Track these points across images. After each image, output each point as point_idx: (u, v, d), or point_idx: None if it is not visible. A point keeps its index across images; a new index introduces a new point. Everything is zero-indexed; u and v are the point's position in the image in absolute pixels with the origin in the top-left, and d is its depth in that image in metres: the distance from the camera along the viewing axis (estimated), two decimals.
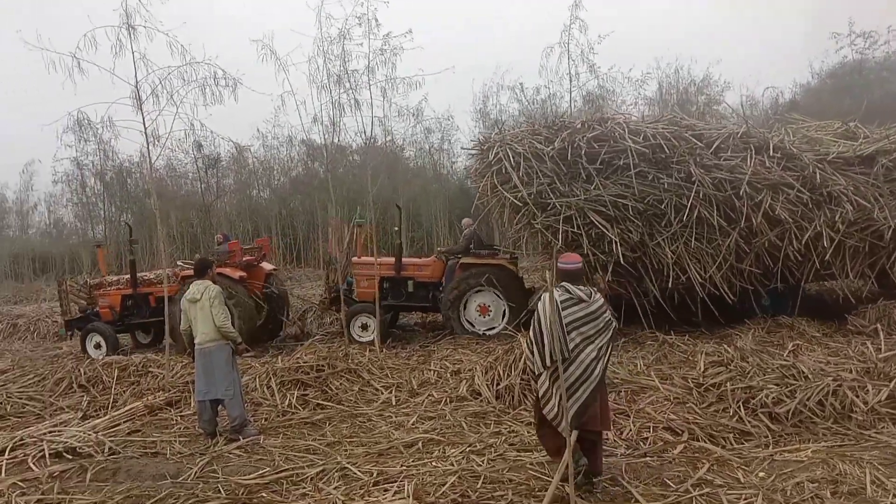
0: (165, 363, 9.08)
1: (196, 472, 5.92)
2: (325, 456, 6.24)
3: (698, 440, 6.22)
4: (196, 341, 6.96)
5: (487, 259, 11.40)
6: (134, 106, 8.99)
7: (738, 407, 6.67)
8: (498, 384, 7.80)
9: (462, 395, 7.89)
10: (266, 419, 7.56)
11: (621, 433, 6.49)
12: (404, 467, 5.82)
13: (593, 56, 25.16)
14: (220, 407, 7.06)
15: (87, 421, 7.43)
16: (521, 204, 9.89)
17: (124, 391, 8.48)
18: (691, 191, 9.55)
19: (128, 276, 12.25)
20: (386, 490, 5.28)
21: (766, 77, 47.87)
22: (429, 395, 8.06)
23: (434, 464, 5.87)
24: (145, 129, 9.02)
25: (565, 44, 25.02)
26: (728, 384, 7.03)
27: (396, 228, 12.88)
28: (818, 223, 9.56)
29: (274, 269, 13.38)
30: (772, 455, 5.81)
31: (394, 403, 7.93)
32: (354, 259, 12.27)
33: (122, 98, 8.92)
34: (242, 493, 5.36)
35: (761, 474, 5.40)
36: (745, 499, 4.93)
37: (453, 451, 6.21)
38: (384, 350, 10.01)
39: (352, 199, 23.55)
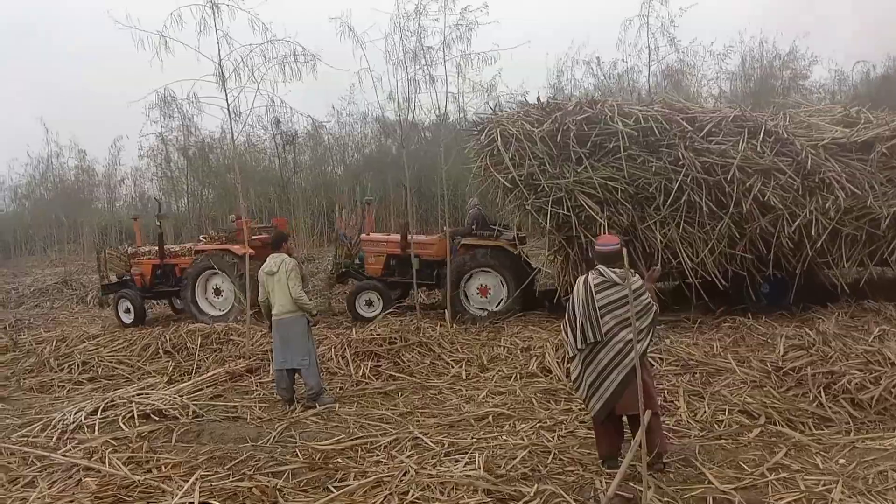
0: (246, 332, 9.43)
1: (275, 437, 6.17)
2: (398, 425, 6.39)
3: (775, 424, 6.07)
4: (273, 312, 7.20)
5: (488, 240, 11.31)
6: (217, 83, 9.29)
7: (819, 392, 6.48)
8: (569, 362, 7.78)
9: (532, 371, 7.93)
10: (341, 388, 7.78)
11: (695, 415, 6.41)
12: (475, 440, 5.90)
13: (674, 29, 24.47)
14: (297, 375, 7.31)
15: (172, 385, 7.82)
16: (511, 185, 9.79)
17: (207, 358, 8.87)
18: (680, 174, 9.40)
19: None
20: (457, 461, 5.36)
21: (855, 50, 45.34)
22: (499, 370, 8.12)
23: (504, 437, 5.94)
24: (228, 105, 9.31)
25: (645, 16, 24.43)
26: (808, 368, 6.84)
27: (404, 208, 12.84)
28: (809, 210, 9.33)
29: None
30: (853, 442, 5.62)
31: (464, 377, 8.03)
32: (363, 236, 12.47)
33: (207, 75, 9.24)
34: (319, 458, 5.54)
35: (842, 461, 5.25)
36: (825, 485, 4.80)
37: (523, 426, 6.25)
38: (454, 325, 10.11)
39: (425, 176, 23.63)
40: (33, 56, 52.76)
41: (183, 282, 12.18)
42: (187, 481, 4.94)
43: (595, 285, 4.90)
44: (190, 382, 7.89)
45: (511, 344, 9.10)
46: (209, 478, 5.09)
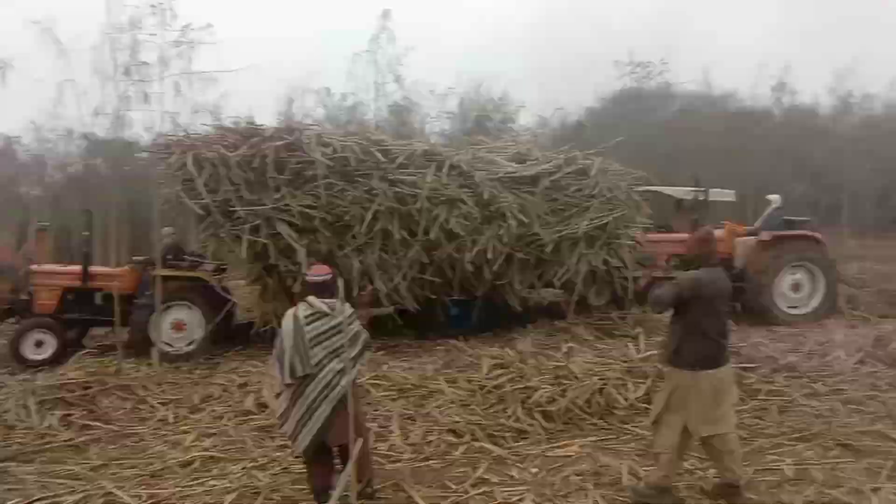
0: None
1: None
2: (89, 481, 5.71)
3: (479, 440, 6.46)
4: None
5: (185, 271, 10.78)
6: None
7: (517, 407, 7.02)
8: (276, 397, 7.57)
9: (247, 408, 7.59)
10: (20, 444, 6.76)
11: (407, 438, 6.58)
12: (178, 488, 5.48)
13: (400, 67, 25.67)
14: None
15: None
16: (205, 212, 9.56)
17: None
18: (374, 204, 9.81)
19: None
20: None
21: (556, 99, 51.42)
22: (211, 409, 7.65)
23: (212, 482, 5.59)
24: None
25: (373, 52, 25.33)
26: (508, 385, 7.39)
27: (86, 233, 11.64)
28: (487, 236, 10.17)
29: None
30: (544, 451, 6.17)
31: (171, 421, 7.43)
32: (34, 267, 11.07)
33: None
34: None
35: (534, 470, 5.72)
36: (518, 495, 5.19)
37: (234, 467, 5.95)
38: (163, 364, 9.38)
39: (141, 201, 21.87)
40: None
41: None
42: None
43: (305, 317, 4.86)
44: None
45: (227, 381, 8.63)
46: None
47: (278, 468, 5.90)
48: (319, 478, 5.05)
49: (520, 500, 5.10)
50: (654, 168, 28.68)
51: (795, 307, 11.98)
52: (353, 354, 4.88)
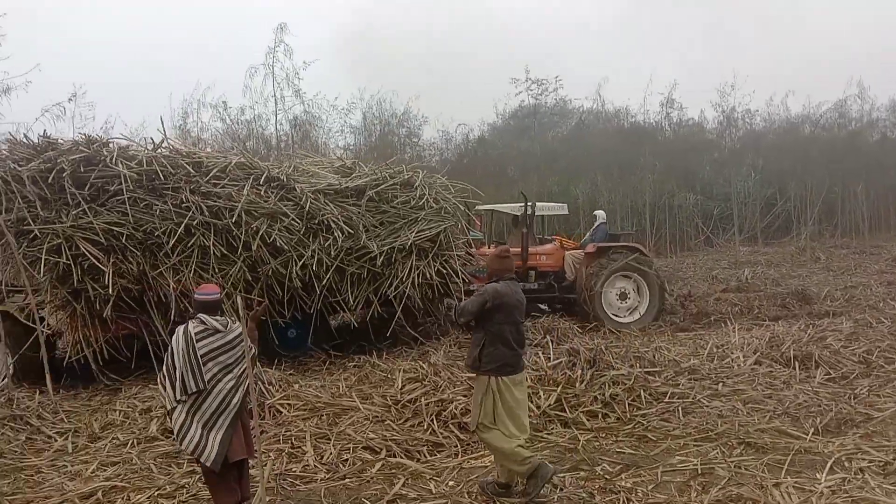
0: None
1: None
2: None
3: (395, 456, 6.41)
4: None
5: None
6: None
7: (432, 420, 7.02)
8: (168, 416, 7.28)
9: (153, 434, 7.25)
10: None
11: (322, 458, 6.45)
12: None
13: (299, 81, 25.32)
14: None
15: None
16: None
17: None
18: (188, 219, 9.33)
19: None
20: None
21: (458, 114, 52.17)
22: (113, 437, 7.27)
23: None
24: None
25: (270, 66, 24.89)
26: (423, 399, 7.38)
27: None
28: (312, 250, 9.85)
29: None
30: (461, 464, 6.20)
31: (70, 451, 7.00)
32: None
33: None
34: None
35: (451, 483, 5.73)
36: None
37: (139, 496, 5.67)
38: (60, 391, 8.86)
39: None
40: None
41: None
42: None
43: (196, 334, 4.84)
44: None
45: (129, 407, 8.22)
46: None
47: (186, 495, 5.68)
48: (227, 495, 4.92)
49: None
50: (557, 179, 29.55)
51: (623, 315, 12.73)
52: (243, 369, 4.90)
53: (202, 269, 9.37)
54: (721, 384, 8.18)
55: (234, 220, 9.44)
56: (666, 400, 7.62)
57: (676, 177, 30.33)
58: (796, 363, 8.79)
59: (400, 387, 7.87)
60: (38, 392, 8.42)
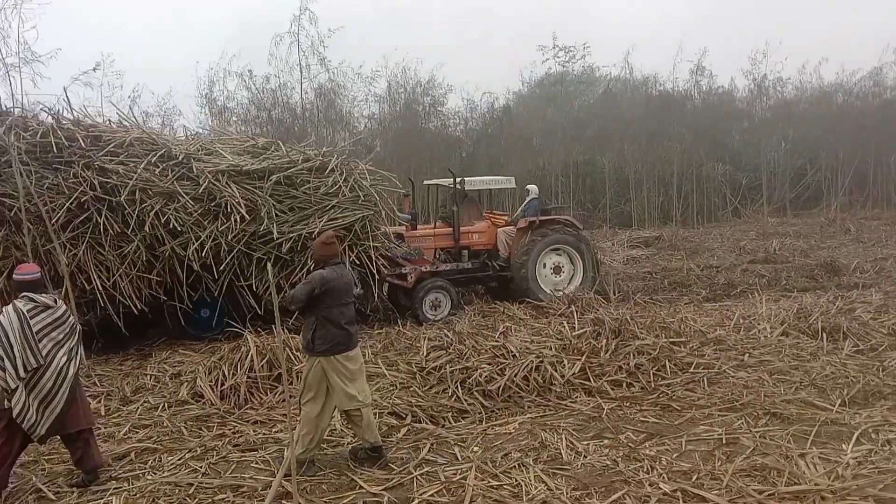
0: None
1: None
2: (17, 477, 5.47)
3: (420, 422, 6.49)
4: None
5: None
6: None
7: (456, 387, 7.08)
8: (223, 384, 7.45)
9: (183, 398, 7.41)
10: None
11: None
12: (113, 481, 5.32)
13: (324, 49, 25.22)
14: None
15: None
16: None
17: None
18: (84, 193, 9.09)
19: None
20: None
21: (484, 82, 51.58)
22: (145, 401, 7.45)
23: (148, 475, 5.44)
24: None
25: (295, 34, 24.81)
26: (447, 366, 7.44)
27: None
28: (210, 231, 9.49)
29: None
30: (485, 430, 6.25)
31: (103, 414, 7.19)
32: None
33: None
34: None
35: (476, 448, 5.79)
36: (461, 473, 5.24)
37: (171, 458, 5.81)
38: (92, 356, 9.06)
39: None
40: None
41: None
42: None
43: (28, 311, 4.97)
44: None
45: (159, 371, 8.42)
46: None
47: (216, 457, 5.80)
48: (91, 459, 5.30)
49: (463, 478, 5.15)
50: (583, 149, 29.16)
51: (558, 289, 12.45)
52: (73, 344, 5.17)
53: (99, 247, 9.17)
54: (747, 355, 8.14)
55: (127, 198, 9.12)
56: (691, 370, 7.61)
57: (705, 146, 29.87)
58: (824, 335, 8.71)
59: (425, 354, 7.95)
60: None
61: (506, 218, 13.54)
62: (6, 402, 4.88)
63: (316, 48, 25.07)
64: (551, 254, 12.53)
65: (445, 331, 8.77)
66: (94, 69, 18.85)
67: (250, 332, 8.31)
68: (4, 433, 4.96)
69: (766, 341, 8.68)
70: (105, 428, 6.75)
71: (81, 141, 9.34)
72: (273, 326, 8.70)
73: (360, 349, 5.84)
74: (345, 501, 4.87)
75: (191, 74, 33.80)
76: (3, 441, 4.97)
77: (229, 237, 9.48)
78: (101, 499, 4.97)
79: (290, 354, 7.90)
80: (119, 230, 9.20)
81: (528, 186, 13.46)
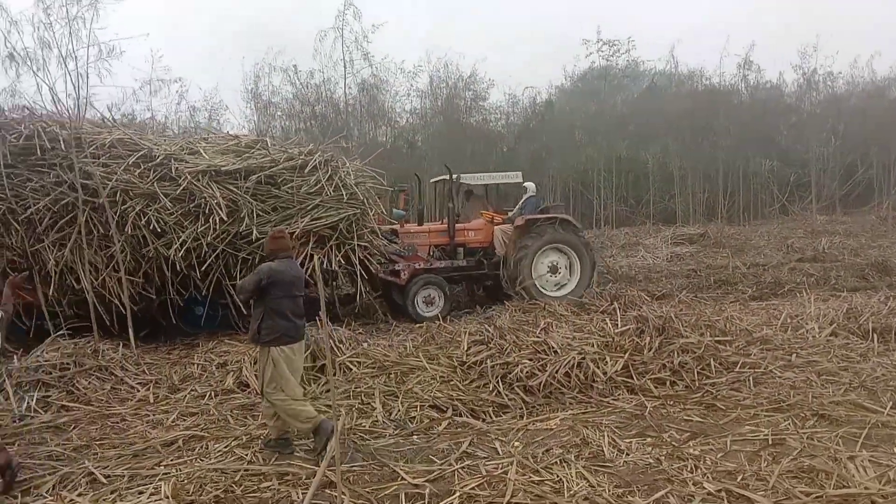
0: None
1: None
2: (71, 461, 5.65)
3: (461, 416, 6.53)
4: None
5: None
6: None
7: (497, 382, 7.09)
8: None
9: (229, 387, 7.57)
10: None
11: (390, 414, 6.62)
12: (161, 467, 5.45)
13: (367, 44, 25.40)
14: None
15: None
16: None
17: None
18: (66, 195, 9.28)
19: None
20: (140, 493, 4.90)
21: (525, 77, 51.35)
22: (192, 389, 7.60)
23: (195, 462, 5.56)
24: None
25: (339, 29, 25.04)
26: (488, 361, 7.45)
27: None
28: (190, 232, 9.52)
29: None
30: (526, 425, 6.25)
31: (151, 401, 7.37)
32: None
33: None
34: None
35: (516, 443, 5.79)
36: (502, 468, 5.25)
37: (217, 445, 5.93)
38: (140, 345, 9.28)
39: None
40: None
41: None
42: None
43: None
44: None
45: (206, 360, 8.59)
46: None
47: (261, 445, 5.90)
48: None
49: (504, 472, 5.16)
50: (626, 144, 28.90)
51: (556, 288, 12.29)
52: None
53: (88, 247, 9.28)
54: (794, 355, 7.99)
55: (108, 199, 9.23)
56: (736, 369, 7.50)
57: (752, 142, 29.30)
58: (875, 335, 8.50)
59: (466, 349, 7.97)
60: (121, 345, 8.84)
61: (502, 215, 13.33)
62: None
63: (360, 43, 25.28)
64: (549, 252, 12.38)
65: (486, 326, 8.77)
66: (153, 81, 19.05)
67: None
68: None
69: (814, 341, 8.50)
70: (154, 415, 6.93)
71: (63, 143, 9.38)
72: (318, 318, 9.03)
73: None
74: (387, 492, 4.91)
75: (237, 70, 34.35)
76: None
77: (210, 238, 9.50)
78: (151, 484, 5.09)
79: (334, 346, 8.01)
80: (103, 231, 9.33)
81: (526, 184, 13.24)
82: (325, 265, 10.05)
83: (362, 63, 25.99)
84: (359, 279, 10.45)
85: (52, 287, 9.09)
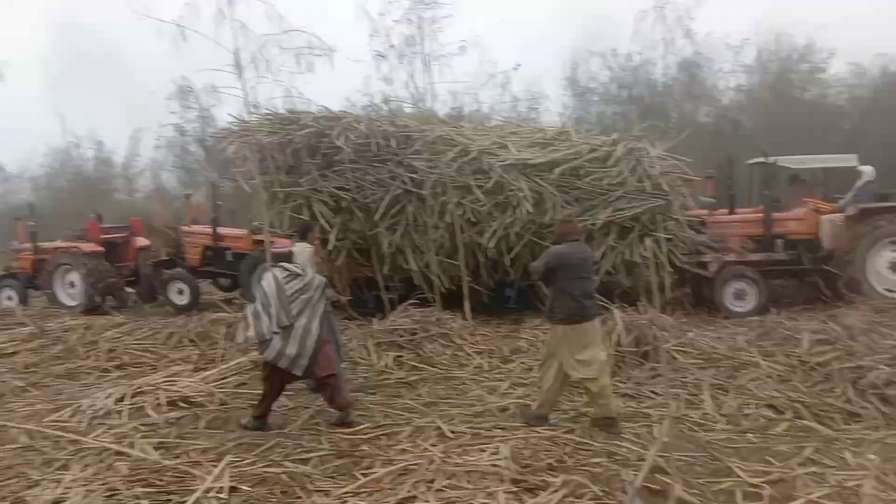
0: None
1: (300, 424, 6.21)
2: (423, 415, 6.40)
3: (803, 419, 6.06)
4: None
5: None
6: (235, 73, 9.15)
7: (846, 387, 6.44)
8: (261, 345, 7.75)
9: None
10: (364, 378, 7.80)
11: (720, 408, 6.39)
12: (499, 430, 5.90)
13: (690, 21, 24.34)
14: None
15: (198, 373, 7.84)
16: (252, 193, 10.77)
17: (230, 347, 8.90)
18: (394, 186, 10.54)
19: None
20: (482, 451, 5.35)
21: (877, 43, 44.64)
22: (521, 362, 8.11)
23: (527, 429, 5.92)
24: (246, 95, 9.24)
25: (660, 8, 24.33)
26: (835, 363, 6.80)
27: (218, 202, 13.54)
28: (500, 223, 10.30)
29: (147, 244, 14.59)
30: (883, 438, 5.59)
31: (486, 369, 8.02)
32: (184, 227, 13.49)
33: (225, 65, 9.08)
34: (345, 446, 5.57)
35: (871, 456, 5.21)
36: (855, 480, 4.77)
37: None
38: (475, 318, 10.11)
39: None
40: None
41: (43, 275, 13.54)
42: (217, 466, 4.98)
43: (283, 278, 6.03)
44: (215, 371, 7.92)
45: (532, 336, 9.09)
46: (238, 463, 5.13)
47: (586, 419, 6.08)
48: (270, 403, 6.21)
49: (858, 486, 4.69)
50: None
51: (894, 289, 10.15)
52: (317, 304, 6.09)
53: (413, 232, 10.61)
54: None
55: (430, 191, 10.37)
56: None
57: None
58: None
59: (807, 348, 7.34)
60: (458, 317, 9.72)
61: (830, 204, 11.62)
62: (262, 348, 5.96)
63: (681, 21, 24.29)
64: (888, 248, 10.61)
65: (832, 324, 7.98)
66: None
67: (618, 307, 8.50)
68: (268, 375, 6.10)
69: None
70: (489, 382, 7.53)
71: (394, 141, 10.77)
72: (638, 303, 9.11)
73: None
74: (722, 486, 4.76)
75: (557, 56, 35.05)
76: (269, 381, 6.12)
77: (517, 228, 10.22)
78: (490, 444, 5.53)
79: (657, 333, 7.92)
80: (426, 220, 10.55)
81: (861, 167, 11.43)
82: (627, 257, 10.37)
83: (683, 41, 24.95)
84: (666, 271, 10.34)
85: (386, 266, 10.76)
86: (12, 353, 9.44)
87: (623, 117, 25.01)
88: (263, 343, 5.95)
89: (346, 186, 10.67)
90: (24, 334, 10.28)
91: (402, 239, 10.67)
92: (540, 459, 5.16)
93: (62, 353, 9.21)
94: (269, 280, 6.08)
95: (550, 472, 4.86)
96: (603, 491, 4.56)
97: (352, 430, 5.95)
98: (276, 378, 6.11)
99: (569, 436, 5.67)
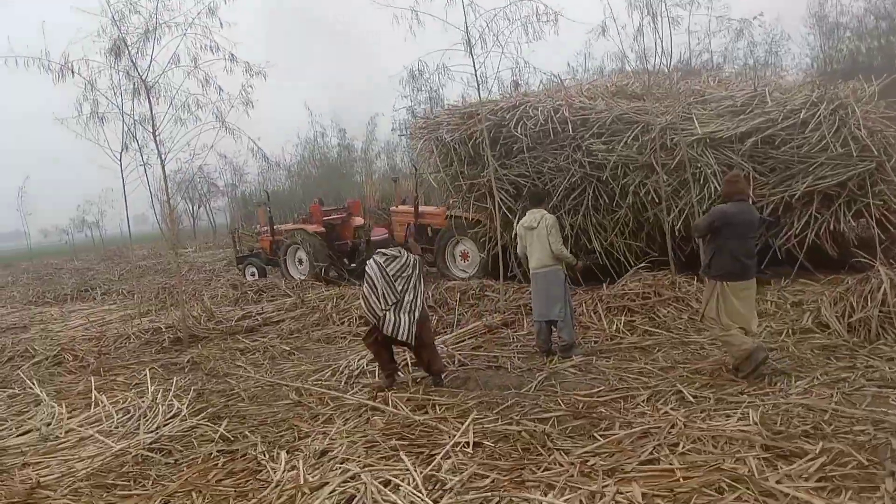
0: (500, 288, 9.77)
1: (536, 385, 6.37)
2: (659, 379, 6.26)
3: None
4: (531, 265, 7.36)
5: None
6: (465, 51, 9.42)
7: None
8: (850, 316, 7.06)
9: (806, 326, 7.32)
10: (595, 342, 7.79)
11: None
12: (745, 395, 5.60)
13: None
14: (553, 327, 7.43)
15: (437, 337, 8.30)
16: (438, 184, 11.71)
17: (466, 312, 9.33)
18: (576, 171, 10.57)
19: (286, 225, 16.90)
20: (728, 416, 5.12)
21: None
22: (767, 326, 7.58)
23: (777, 395, 5.56)
24: (476, 72, 9.49)
25: None
26: None
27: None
28: (685, 201, 9.87)
29: (362, 223, 15.94)
30: None
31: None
32: (392, 207, 15.06)
33: (455, 44, 9.39)
34: (582, 407, 5.63)
35: None
36: None
37: (799, 382, 5.80)
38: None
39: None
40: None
41: (278, 253, 15.91)
42: (462, 423, 5.29)
43: (384, 262, 6.56)
44: (453, 334, 8.36)
45: (779, 298, 8.48)
46: (481, 420, 5.40)
47: (848, 388, 5.54)
48: (386, 360, 6.77)
49: None
50: None
51: None
52: (416, 281, 6.63)
53: (595, 212, 10.68)
54: None
55: (610, 174, 10.30)
56: None
57: None
58: None
59: None
60: (694, 279, 9.30)
61: None
62: (379, 323, 6.53)
63: None
64: None
65: None
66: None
67: (882, 263, 7.62)
68: (376, 341, 6.67)
69: None
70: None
71: (570, 126, 10.58)
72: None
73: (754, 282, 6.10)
74: None
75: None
76: (375, 347, 6.71)
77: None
78: (738, 409, 5.26)
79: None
80: (607, 202, 10.53)
81: None
82: (832, 227, 9.48)
83: None
84: (878, 242, 9.00)
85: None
86: (278, 321, 10.72)
87: (882, 52, 22.02)
88: (378, 319, 6.54)
89: (526, 173, 10.96)
90: (287, 304, 11.61)
91: (584, 219, 10.76)
92: (794, 426, 4.83)
93: (320, 321, 10.28)
94: (371, 265, 6.63)
95: (806, 439, 4.54)
96: (868, 460, 4.16)
97: (588, 392, 5.99)
98: (381, 345, 6.71)
99: (825, 403, 5.24)
